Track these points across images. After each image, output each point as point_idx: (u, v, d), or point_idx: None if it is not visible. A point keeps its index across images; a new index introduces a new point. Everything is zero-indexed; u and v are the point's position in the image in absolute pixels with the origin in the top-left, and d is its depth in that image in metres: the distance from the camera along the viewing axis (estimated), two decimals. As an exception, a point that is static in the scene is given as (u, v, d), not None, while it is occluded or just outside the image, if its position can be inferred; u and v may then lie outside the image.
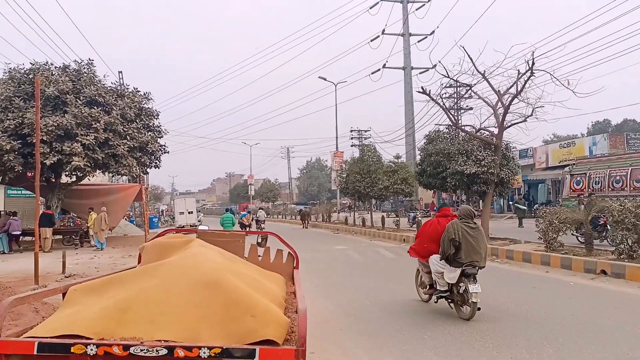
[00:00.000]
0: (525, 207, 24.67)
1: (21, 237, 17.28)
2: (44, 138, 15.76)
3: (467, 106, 37.32)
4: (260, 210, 31.45)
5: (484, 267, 6.64)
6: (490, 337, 5.62)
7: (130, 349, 2.49)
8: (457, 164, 14.58)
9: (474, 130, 15.73)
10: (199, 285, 2.98)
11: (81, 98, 17.40)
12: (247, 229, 22.88)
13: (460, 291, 6.55)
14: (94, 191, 22.04)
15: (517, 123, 14.56)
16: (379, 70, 37.02)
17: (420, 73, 34.95)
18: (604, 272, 9.55)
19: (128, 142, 17.95)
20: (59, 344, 2.52)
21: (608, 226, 11.50)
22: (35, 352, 2.49)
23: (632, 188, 17.72)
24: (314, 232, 28.56)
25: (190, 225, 32.12)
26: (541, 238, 12.24)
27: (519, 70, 13.98)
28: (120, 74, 33.12)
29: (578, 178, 20.43)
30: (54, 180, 18.94)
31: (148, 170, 22.46)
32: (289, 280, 4.61)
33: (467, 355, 5.05)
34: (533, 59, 13.29)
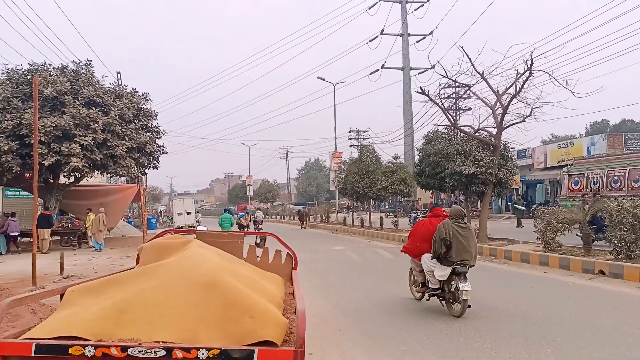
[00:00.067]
0: (524, 208, 24.70)
1: (19, 238, 17.24)
2: (42, 139, 15.73)
3: (465, 106, 37.32)
4: (258, 211, 31.47)
5: (474, 265, 6.81)
6: (488, 337, 5.62)
7: (129, 350, 2.48)
8: (455, 165, 14.60)
9: (472, 130, 15.75)
10: (198, 286, 2.97)
11: (79, 99, 17.36)
12: (245, 230, 22.87)
13: (452, 289, 6.70)
14: (92, 192, 21.98)
15: (516, 123, 14.59)
16: (377, 70, 37.03)
17: (419, 73, 35.01)
18: (602, 272, 9.57)
19: (126, 143, 17.92)
20: (56, 346, 2.51)
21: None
22: (32, 354, 2.48)
23: (630, 188, 17.77)
24: (312, 232, 28.55)
25: (189, 226, 32.09)
26: (539, 238, 12.25)
27: (517, 71, 14.02)
28: (119, 75, 33.13)
29: (576, 178, 20.46)
30: (52, 181, 18.90)
31: (146, 171, 22.39)
32: (287, 281, 4.61)
33: (466, 356, 5.06)
34: (532, 59, 13.32)
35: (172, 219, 41.07)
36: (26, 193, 20.35)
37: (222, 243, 4.63)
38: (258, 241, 5.38)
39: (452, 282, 6.67)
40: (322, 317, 6.91)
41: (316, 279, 10.22)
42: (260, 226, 27.54)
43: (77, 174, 18.35)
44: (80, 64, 19.17)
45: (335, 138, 46.98)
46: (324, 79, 41.29)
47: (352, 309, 7.51)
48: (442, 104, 17.69)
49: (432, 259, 6.93)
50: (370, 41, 37.39)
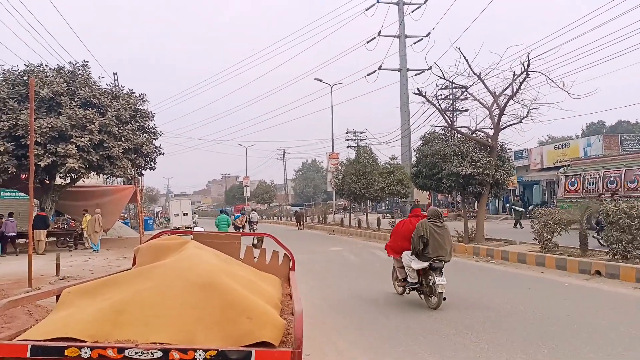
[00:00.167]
0: (522, 209, 24.72)
1: (16, 239, 17.15)
2: (38, 140, 15.67)
3: (462, 107, 37.50)
4: (253, 212, 31.52)
5: (449, 261, 7.39)
6: (485, 338, 5.62)
7: (125, 351, 2.47)
8: (452, 165, 14.61)
9: (469, 131, 15.77)
10: (195, 287, 2.96)
11: (76, 100, 17.32)
12: (241, 231, 22.85)
13: (429, 283, 7.23)
14: (88, 193, 21.92)
15: (513, 124, 14.62)
16: (374, 71, 37.01)
17: (416, 74, 35.05)
18: (598, 272, 9.59)
19: (123, 144, 17.87)
20: (52, 347, 2.50)
21: None
22: (28, 355, 2.47)
23: (626, 189, 17.84)
24: (309, 233, 28.54)
25: (186, 227, 32.05)
26: (536, 239, 12.28)
27: (514, 72, 14.04)
28: (115, 76, 32.98)
29: (573, 179, 20.56)
30: (48, 182, 18.83)
31: (143, 172, 22.34)
32: (285, 282, 4.60)
33: (464, 356, 5.06)
34: (528, 60, 13.35)
35: (168, 220, 41.00)
36: (22, 194, 20.29)
37: (219, 244, 4.62)
38: (255, 242, 5.38)
39: (430, 277, 7.21)
40: (320, 317, 6.91)
41: (313, 280, 10.21)
42: (255, 227, 27.56)
43: (73, 175, 18.30)
44: (77, 65, 19.12)
45: (333, 139, 47.05)
46: (321, 80, 41.30)
47: (349, 309, 7.51)
48: (439, 105, 17.71)
49: (411, 255, 7.48)
50: (367, 42, 37.39)
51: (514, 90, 13.97)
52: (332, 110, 43.14)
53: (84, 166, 17.09)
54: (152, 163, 20.78)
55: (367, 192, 24.41)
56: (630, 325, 6.03)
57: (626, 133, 39.15)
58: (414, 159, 19.98)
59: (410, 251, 7.51)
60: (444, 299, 7.08)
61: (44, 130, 15.96)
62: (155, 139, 20.49)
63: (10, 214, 17.06)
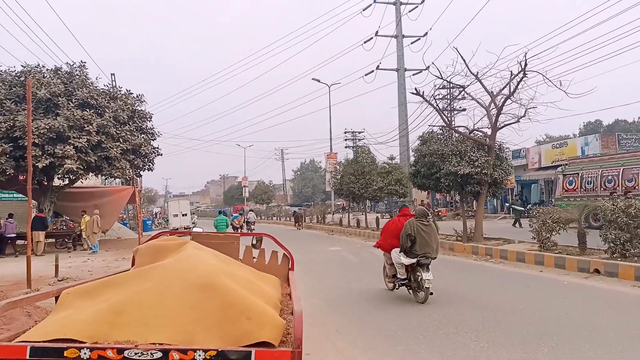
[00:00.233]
0: (522, 208, 24.72)
1: (17, 240, 17.09)
2: (36, 141, 15.64)
3: (460, 107, 37.52)
4: (251, 212, 31.68)
5: (435, 257, 7.73)
6: (485, 337, 5.63)
7: (125, 352, 2.47)
8: (450, 165, 14.62)
9: (467, 131, 15.79)
10: (194, 288, 2.96)
11: (73, 100, 17.29)
12: (240, 231, 22.87)
13: (418, 279, 7.59)
14: (87, 194, 21.88)
15: (510, 124, 14.63)
16: (372, 71, 37.02)
17: (413, 74, 35.10)
18: (597, 271, 9.61)
19: (121, 145, 17.85)
20: (51, 348, 2.49)
21: None
22: (27, 357, 2.46)
23: (623, 187, 17.88)
24: (308, 233, 28.54)
25: (185, 228, 32.03)
26: (535, 238, 12.29)
27: (511, 72, 14.05)
28: (113, 76, 32.95)
29: (570, 178, 20.61)
30: (46, 183, 18.80)
31: (141, 172, 22.32)
32: (284, 282, 4.60)
33: (464, 355, 5.06)
34: (526, 60, 13.37)
35: (167, 220, 40.94)
36: (20, 195, 20.25)
37: (218, 244, 4.62)
38: (254, 242, 5.37)
39: (418, 273, 7.59)
40: (319, 317, 6.91)
41: (313, 280, 10.22)
42: (252, 227, 27.77)
43: (71, 176, 18.27)
44: (74, 66, 19.08)
45: (331, 139, 47.11)
46: (319, 81, 41.31)
47: (349, 309, 7.51)
48: (437, 105, 17.72)
49: (400, 252, 7.84)
50: (364, 42, 37.40)
51: (512, 90, 13.99)
52: (330, 111, 43.23)
53: (82, 167, 17.07)
54: (150, 164, 20.75)
55: (366, 192, 24.42)
56: (629, 323, 6.04)
57: (623, 132, 39.24)
58: (412, 158, 19.98)
59: (399, 248, 7.86)
60: (431, 293, 7.46)
61: (42, 132, 15.93)
62: (153, 140, 20.47)
63: (10, 215, 17.02)
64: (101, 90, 18.91)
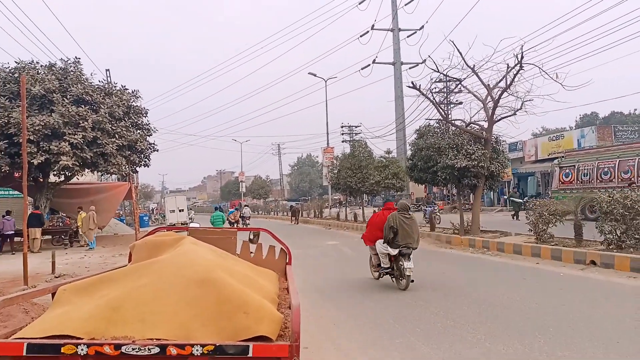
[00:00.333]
0: (521, 200, 24.75)
1: (15, 237, 17.02)
2: (31, 137, 15.56)
3: (457, 100, 37.56)
4: (246, 207, 31.87)
5: (416, 248, 8.24)
6: (482, 329, 5.66)
7: (122, 348, 2.46)
8: (447, 158, 14.63)
9: (464, 124, 15.80)
10: (191, 283, 2.95)
11: (68, 97, 17.18)
12: (236, 226, 22.93)
13: (401, 268, 8.11)
14: (83, 190, 21.81)
15: (507, 117, 14.65)
16: (368, 65, 36.99)
17: (410, 68, 35.02)
18: (593, 262, 9.66)
19: (117, 141, 17.78)
20: (48, 345, 2.48)
21: None
22: (24, 353, 2.45)
23: (620, 180, 17.95)
24: (306, 228, 28.56)
25: (182, 223, 32.00)
26: (531, 230, 12.34)
27: (508, 64, 14.07)
28: (108, 72, 32.72)
29: (567, 170, 20.67)
30: (42, 180, 18.72)
31: (137, 168, 22.24)
32: (281, 276, 4.60)
33: (460, 347, 5.08)
34: (522, 52, 13.37)
35: (164, 216, 40.89)
36: (16, 192, 20.14)
37: (215, 239, 4.61)
38: (251, 237, 5.37)
39: (400, 263, 8.12)
40: (317, 311, 6.92)
41: (310, 274, 10.24)
42: (247, 222, 27.92)
43: (67, 173, 18.18)
44: (69, 62, 18.95)
45: (328, 133, 47.05)
46: (315, 75, 41.22)
47: (346, 302, 7.53)
48: (434, 98, 17.73)
49: (383, 243, 8.39)
50: (361, 36, 37.33)
51: (508, 83, 14.00)
52: (327, 105, 43.16)
53: (77, 164, 16.99)
54: (146, 160, 20.69)
55: (363, 186, 24.43)
56: (625, 314, 6.08)
57: (619, 124, 39.33)
58: (409, 152, 19.97)
59: (383, 240, 8.39)
60: (412, 281, 8.08)
61: (37, 128, 15.84)
62: (149, 136, 20.39)
63: (8, 212, 16.93)
64: (96, 86, 18.80)
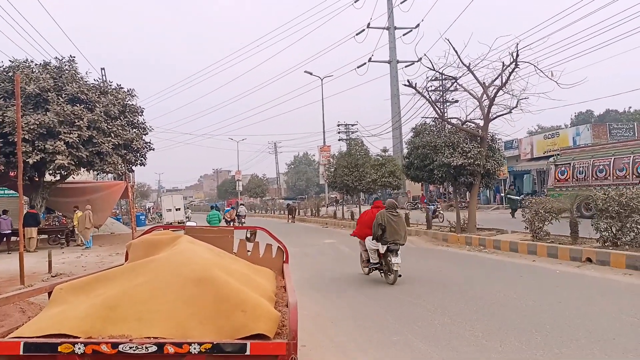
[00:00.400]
0: (518, 197, 24.76)
1: (12, 236, 16.91)
2: (26, 137, 15.48)
3: (452, 99, 37.59)
4: (241, 206, 31.96)
5: (403, 244, 8.61)
6: (479, 326, 5.67)
7: (119, 346, 2.46)
8: (443, 156, 14.65)
9: (459, 122, 15.82)
10: (188, 282, 2.95)
11: (63, 95, 17.08)
12: (232, 224, 22.93)
13: (389, 264, 8.42)
14: (79, 189, 21.74)
15: (502, 115, 14.68)
16: (364, 64, 37.01)
17: (406, 66, 35.10)
18: (589, 259, 9.70)
19: (112, 140, 17.71)
20: (45, 344, 2.48)
21: None
22: (21, 353, 2.44)
23: (615, 177, 18.03)
24: (302, 226, 28.55)
25: (178, 222, 31.94)
26: (527, 227, 12.38)
27: (503, 63, 14.08)
28: (103, 71, 32.67)
29: (562, 168, 20.73)
30: (37, 179, 18.63)
31: (133, 167, 22.17)
32: (278, 275, 4.60)
33: (457, 344, 5.10)
34: (517, 51, 13.39)
35: (161, 215, 40.77)
36: (11, 192, 20.05)
37: (212, 238, 4.61)
38: (248, 235, 5.37)
39: (388, 258, 8.44)
40: (314, 309, 6.92)
41: (307, 272, 10.24)
42: (243, 220, 28.01)
43: (62, 172, 18.11)
44: (63, 61, 18.84)
45: (324, 132, 47.22)
46: (311, 73, 41.14)
47: (344, 300, 7.54)
48: (430, 97, 17.72)
49: (372, 239, 8.75)
50: (356, 35, 37.34)
51: (504, 81, 14.02)
52: (323, 103, 43.19)
53: (73, 163, 16.91)
54: (142, 159, 20.62)
55: (360, 185, 24.45)
56: (621, 311, 6.11)
57: (614, 122, 39.50)
58: (405, 150, 20.01)
59: (372, 236, 8.74)
60: (399, 275, 8.42)
61: (32, 127, 15.75)
62: (145, 134, 20.30)
63: (5, 212, 16.83)
64: (91, 85, 18.71)
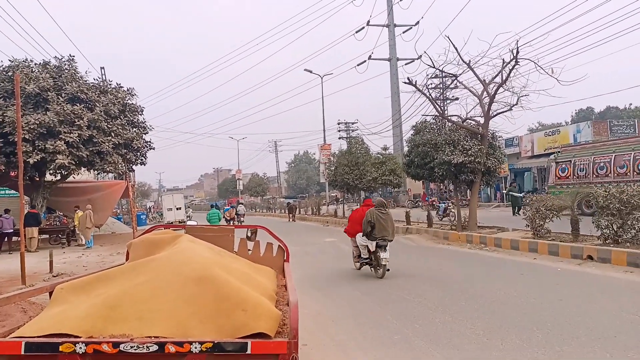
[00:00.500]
0: (520, 194, 24.66)
1: (13, 236, 16.90)
2: (26, 136, 15.48)
3: (453, 96, 37.60)
4: (241, 205, 32.07)
5: (391, 240, 9.07)
6: (480, 324, 5.67)
7: (120, 346, 2.46)
8: (444, 154, 14.64)
9: (460, 120, 15.79)
10: (189, 281, 2.95)
11: (63, 95, 17.08)
12: (231, 223, 22.97)
13: (378, 259, 8.91)
14: (79, 189, 21.75)
15: (503, 112, 14.65)
16: (364, 62, 36.94)
17: (406, 64, 34.96)
18: (590, 257, 9.70)
19: (113, 139, 17.71)
20: (47, 343, 2.48)
21: None
22: (22, 352, 2.45)
23: (616, 174, 18.01)
24: (303, 225, 28.56)
25: (179, 222, 31.97)
26: (528, 225, 12.37)
27: (503, 60, 14.05)
28: (103, 70, 32.57)
29: (563, 165, 20.71)
30: (38, 179, 18.64)
31: (134, 167, 22.18)
32: (279, 274, 4.60)
33: (458, 343, 5.10)
34: (517, 47, 13.36)
35: (161, 214, 40.78)
36: (12, 192, 20.06)
37: (212, 237, 4.61)
38: (249, 234, 5.36)
39: (377, 254, 8.94)
40: (315, 308, 6.93)
41: (308, 271, 10.24)
42: (242, 219, 28.14)
43: (63, 172, 18.12)
44: (63, 60, 18.82)
45: (324, 130, 47.16)
46: (311, 71, 41.11)
47: (345, 299, 7.54)
48: (430, 94, 17.70)
49: (362, 236, 9.20)
50: (356, 32, 37.26)
51: (504, 78, 13.99)
52: (323, 102, 43.17)
53: (73, 162, 16.92)
54: (142, 158, 20.62)
55: (360, 183, 24.46)
56: (622, 308, 6.11)
57: (615, 119, 39.44)
58: (405, 148, 20.00)
59: (362, 233, 9.18)
60: (388, 270, 8.93)
61: (32, 127, 15.76)
62: (145, 134, 20.30)
63: (7, 211, 16.82)
64: (91, 85, 18.71)
